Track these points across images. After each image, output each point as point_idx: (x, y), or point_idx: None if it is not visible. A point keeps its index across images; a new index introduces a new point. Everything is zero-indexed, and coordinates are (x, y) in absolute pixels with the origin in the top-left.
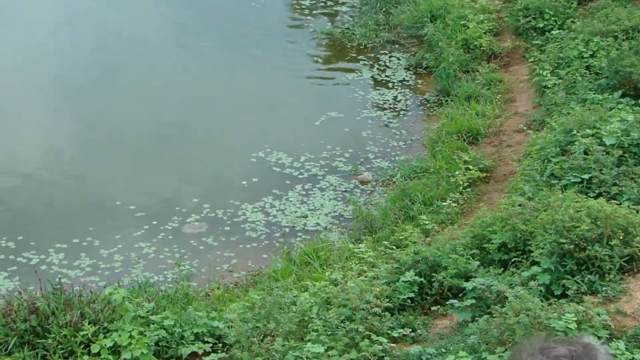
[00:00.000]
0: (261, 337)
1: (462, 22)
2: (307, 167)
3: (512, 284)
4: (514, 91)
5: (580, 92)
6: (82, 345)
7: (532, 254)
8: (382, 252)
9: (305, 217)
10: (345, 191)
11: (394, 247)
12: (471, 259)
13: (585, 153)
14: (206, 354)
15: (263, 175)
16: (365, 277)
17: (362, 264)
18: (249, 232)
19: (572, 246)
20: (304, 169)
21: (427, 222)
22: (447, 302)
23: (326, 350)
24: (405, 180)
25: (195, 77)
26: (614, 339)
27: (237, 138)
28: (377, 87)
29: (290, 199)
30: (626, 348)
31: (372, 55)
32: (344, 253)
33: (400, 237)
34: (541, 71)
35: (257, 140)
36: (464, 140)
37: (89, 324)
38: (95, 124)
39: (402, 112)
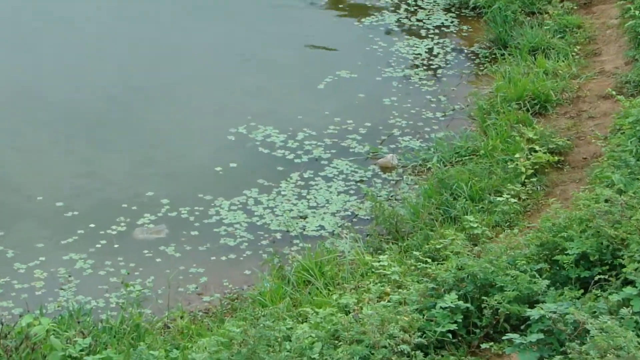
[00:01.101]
0: None
1: None
2: (306, 148)
3: (595, 312)
4: (599, 41)
5: None
6: None
7: (623, 270)
8: (412, 267)
9: (305, 218)
10: (361, 181)
11: (429, 260)
12: (537, 276)
13: None
14: None
15: (245, 160)
16: (388, 301)
17: (383, 284)
18: (225, 239)
19: None
20: (302, 151)
21: (475, 225)
22: (504, 338)
23: None
24: (445, 166)
25: (149, 30)
26: None
27: (208, 108)
28: (405, 36)
29: (283, 193)
30: None
31: None
32: (359, 268)
33: (438, 246)
34: (638, 12)
35: (237, 110)
36: (528, 110)
37: None
38: (9, 92)
39: (439, 71)
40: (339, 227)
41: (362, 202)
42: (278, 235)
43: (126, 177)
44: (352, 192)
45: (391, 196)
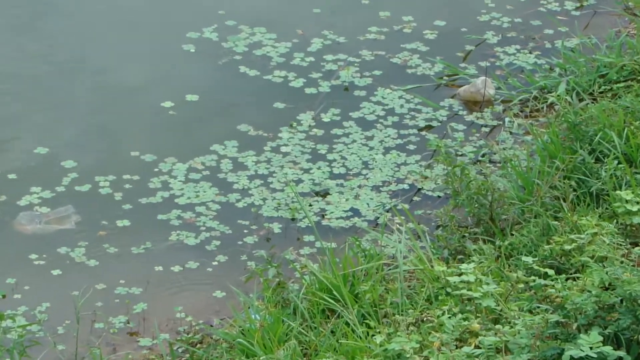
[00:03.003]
0: None
1: None
2: (327, 68)
3: None
4: None
5: None
6: None
7: None
8: (520, 285)
9: (324, 195)
10: (427, 128)
11: (550, 272)
12: None
13: None
14: None
15: (215, 88)
16: (477, 347)
17: (467, 315)
18: (180, 234)
19: None
20: (319, 72)
21: (635, 209)
22: None
23: None
24: (580, 100)
25: None
26: None
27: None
28: None
29: (284, 150)
30: None
31: None
32: (423, 287)
33: (567, 247)
34: None
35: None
36: None
37: None
38: None
39: None
40: (385, 211)
41: (430, 166)
42: (275, 227)
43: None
44: (410, 148)
45: (482, 156)
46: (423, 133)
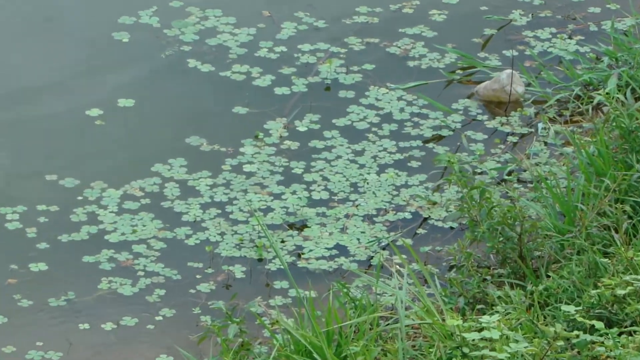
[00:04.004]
0: None
1: None
2: (302, 60)
3: None
4: None
5: None
6: None
7: None
8: (558, 341)
9: (301, 227)
10: (434, 139)
11: (599, 321)
12: None
13: None
14: None
15: (156, 89)
16: None
17: None
18: (113, 280)
19: None
20: (292, 66)
21: None
22: None
23: None
24: (638, 100)
25: None
26: None
27: None
28: None
29: (247, 168)
30: None
31: None
32: (431, 347)
33: (620, 292)
34: None
35: None
36: None
37: None
38: None
39: None
40: (381, 248)
41: (439, 188)
42: (237, 271)
43: None
44: (413, 165)
45: (509, 174)
46: (430, 145)
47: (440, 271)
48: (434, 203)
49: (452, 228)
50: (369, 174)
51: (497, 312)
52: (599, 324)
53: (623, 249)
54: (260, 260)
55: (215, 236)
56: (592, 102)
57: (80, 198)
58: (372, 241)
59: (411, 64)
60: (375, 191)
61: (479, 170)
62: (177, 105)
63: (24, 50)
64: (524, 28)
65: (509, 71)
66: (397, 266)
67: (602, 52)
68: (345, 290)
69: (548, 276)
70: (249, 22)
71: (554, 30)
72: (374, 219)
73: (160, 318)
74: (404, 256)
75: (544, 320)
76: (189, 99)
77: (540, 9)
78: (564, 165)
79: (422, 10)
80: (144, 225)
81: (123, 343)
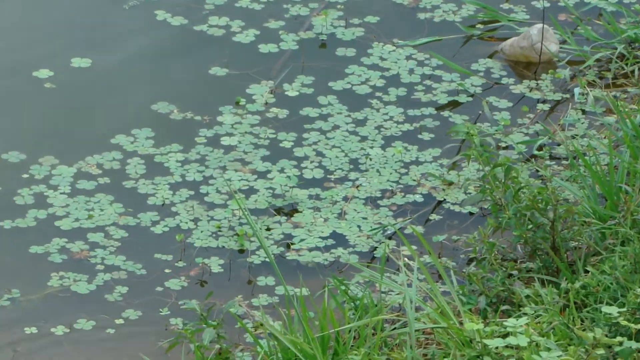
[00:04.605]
0: None
1: None
2: (292, 10)
3: None
4: None
5: None
6: None
7: None
8: (598, 348)
9: (290, 211)
10: (451, 105)
11: None
12: None
13: None
14: None
15: (117, 46)
16: None
17: None
18: (65, 275)
19: None
20: (281, 19)
21: None
22: None
23: None
24: None
25: None
26: None
27: None
28: None
29: (225, 141)
30: None
31: None
32: (448, 354)
33: None
34: None
35: None
36: None
37: None
38: None
39: None
40: (386, 237)
41: (455, 166)
42: (214, 265)
43: None
44: (424, 137)
45: (540, 149)
46: (445, 113)
47: (458, 265)
48: (450, 183)
49: (471, 213)
50: (372, 148)
51: (525, 314)
52: None
53: None
54: (241, 251)
55: (187, 223)
56: (638, 62)
57: (25, 176)
58: (375, 229)
59: (422, 16)
60: (380, 169)
61: (503, 144)
62: (143, 65)
63: None
64: None
65: (539, 26)
66: (406, 259)
67: None
68: (343, 287)
69: (586, 271)
70: None
71: None
72: (378, 202)
73: (122, 321)
74: (413, 247)
75: (581, 324)
76: (156, 58)
77: None
78: (605, 138)
79: None
80: (102, 210)
81: (77, 351)
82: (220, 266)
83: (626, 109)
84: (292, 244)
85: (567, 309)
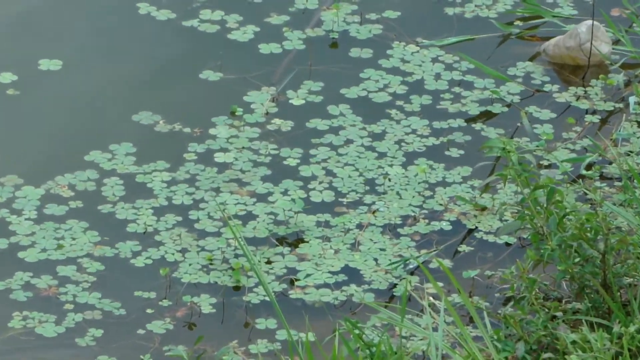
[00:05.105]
0: None
1: None
2: (297, 3)
3: None
4: None
5: None
6: None
7: None
8: None
9: (295, 241)
10: (483, 117)
11: None
12: None
13: None
14: None
15: (93, 45)
16: None
17: None
18: (30, 315)
19: None
20: (282, 13)
21: None
22: None
23: None
24: None
25: None
26: None
27: None
28: None
29: (219, 156)
30: None
31: None
32: None
33: None
34: None
35: None
36: None
37: None
38: None
39: None
40: (407, 272)
41: (489, 188)
42: (205, 304)
43: None
44: (452, 154)
45: (589, 168)
46: (477, 126)
47: (492, 305)
48: (483, 208)
49: (508, 244)
50: (391, 166)
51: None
52: None
53: None
54: (237, 288)
55: (174, 254)
56: None
57: None
58: (395, 262)
59: (451, 11)
60: (401, 191)
61: (545, 163)
62: (123, 68)
63: None
64: None
65: (588, 23)
66: (431, 298)
67: None
68: (357, 331)
69: None
70: None
71: None
72: (399, 230)
73: None
74: (440, 284)
75: None
76: (139, 60)
77: None
78: None
79: None
80: (74, 239)
81: None
82: (211, 306)
83: None
84: (297, 280)
85: (620, 357)
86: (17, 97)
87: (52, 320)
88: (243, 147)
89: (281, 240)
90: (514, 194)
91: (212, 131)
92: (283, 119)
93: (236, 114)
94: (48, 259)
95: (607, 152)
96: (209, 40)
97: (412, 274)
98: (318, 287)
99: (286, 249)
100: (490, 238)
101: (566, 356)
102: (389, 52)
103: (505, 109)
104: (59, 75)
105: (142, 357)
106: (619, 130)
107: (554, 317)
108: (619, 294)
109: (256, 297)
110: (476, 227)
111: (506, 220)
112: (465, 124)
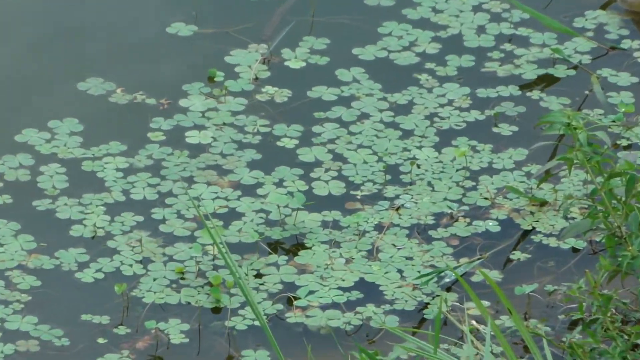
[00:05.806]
0: None
1: None
2: None
3: None
4: None
5: None
6: None
7: None
8: None
9: (292, 247)
10: (540, 84)
11: None
12: None
13: None
14: None
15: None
16: None
17: None
18: None
19: None
20: None
21: None
22: None
23: None
24: None
25: None
26: None
27: None
28: None
29: (193, 135)
30: None
31: None
32: None
33: None
34: None
35: None
36: None
37: None
38: None
39: None
40: (442, 288)
41: (548, 176)
42: (173, 330)
43: None
44: (499, 131)
45: None
46: (533, 95)
47: (554, 331)
48: (542, 203)
49: (575, 250)
50: (419, 148)
51: None
52: None
53: None
54: (216, 310)
55: (132, 265)
56: None
57: None
58: (426, 275)
59: None
60: (433, 181)
61: (624, 143)
62: (65, 19)
63: None
64: None
65: None
66: (473, 322)
67: None
68: None
69: None
70: None
71: None
72: (430, 232)
73: None
74: (485, 303)
75: None
76: (87, 9)
77: None
78: None
79: None
80: (2, 245)
81: None
82: (183, 334)
83: None
84: (297, 298)
85: None
86: None
87: None
88: (224, 124)
89: (275, 247)
90: (583, 184)
91: (183, 102)
92: (277, 87)
93: (215, 79)
94: None
95: None
96: None
97: (448, 290)
98: (324, 307)
99: (282, 258)
100: (552, 242)
101: None
102: None
103: (572, 72)
104: None
105: None
106: None
107: (636, 345)
108: None
109: (242, 322)
110: (533, 228)
111: (572, 219)
112: (518, 92)
